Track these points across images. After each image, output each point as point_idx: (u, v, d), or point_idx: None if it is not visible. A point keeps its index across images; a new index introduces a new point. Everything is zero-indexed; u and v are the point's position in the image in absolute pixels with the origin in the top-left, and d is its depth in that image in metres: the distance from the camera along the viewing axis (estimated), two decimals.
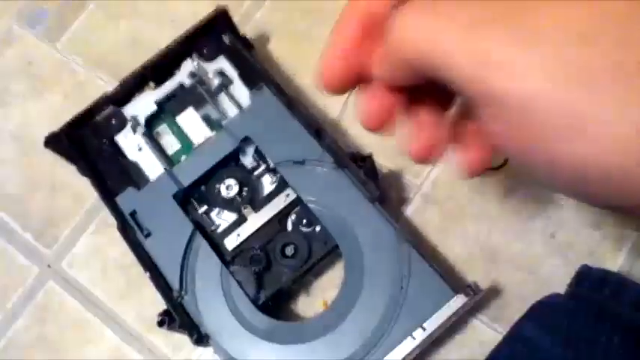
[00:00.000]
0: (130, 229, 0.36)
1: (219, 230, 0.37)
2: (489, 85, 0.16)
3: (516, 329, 0.30)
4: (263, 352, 0.33)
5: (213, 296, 0.34)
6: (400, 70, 0.19)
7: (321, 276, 0.37)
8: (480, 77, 0.16)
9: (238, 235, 0.36)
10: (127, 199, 0.37)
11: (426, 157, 0.22)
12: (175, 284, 0.34)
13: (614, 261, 0.34)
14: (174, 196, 0.36)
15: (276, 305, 0.35)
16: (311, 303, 0.36)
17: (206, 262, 0.35)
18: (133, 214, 0.36)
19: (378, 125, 0.22)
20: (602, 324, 0.27)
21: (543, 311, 0.30)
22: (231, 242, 0.36)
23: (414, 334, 0.31)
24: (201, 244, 0.35)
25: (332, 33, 0.20)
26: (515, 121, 0.17)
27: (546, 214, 0.36)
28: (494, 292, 0.35)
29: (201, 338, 0.33)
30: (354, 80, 0.21)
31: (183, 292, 0.34)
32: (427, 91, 0.22)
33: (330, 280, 0.37)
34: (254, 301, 0.34)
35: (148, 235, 0.36)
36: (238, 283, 0.34)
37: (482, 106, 0.17)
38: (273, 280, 0.35)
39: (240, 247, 0.36)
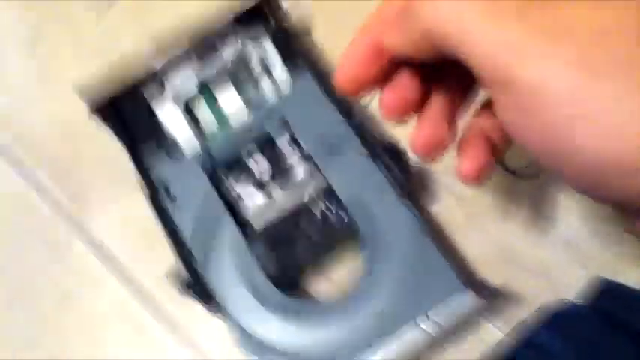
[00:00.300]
0: (158, 198, 0.37)
1: (245, 205, 0.37)
2: (503, 68, 0.17)
3: (529, 334, 0.30)
4: (274, 326, 0.33)
5: (231, 270, 0.35)
6: (416, 41, 0.20)
7: (339, 260, 0.37)
8: (495, 58, 0.17)
9: (264, 214, 0.37)
10: (159, 169, 0.37)
11: (427, 153, 0.24)
12: (197, 255, 0.35)
13: (634, 278, 0.34)
14: (206, 170, 0.37)
15: (290, 282, 0.36)
16: (324, 283, 0.37)
17: (229, 237, 0.35)
18: (163, 182, 0.37)
19: (397, 115, 0.23)
20: (621, 338, 0.27)
21: (558, 319, 0.30)
22: (256, 221, 0.37)
23: (425, 328, 0.31)
24: (229, 222, 0.36)
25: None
26: (526, 107, 0.17)
27: (570, 223, 0.36)
28: (510, 297, 0.35)
29: (215, 308, 0.34)
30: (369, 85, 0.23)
31: (202, 263, 0.35)
32: (442, 87, 0.23)
33: (341, 261, 0.37)
34: (270, 277, 0.35)
35: (175, 206, 0.36)
36: (257, 257, 0.35)
37: (495, 90, 0.18)
38: (292, 261, 0.36)
39: (263, 225, 0.36)
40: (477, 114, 0.25)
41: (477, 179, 0.23)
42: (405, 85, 0.23)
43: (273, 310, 0.34)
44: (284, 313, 0.34)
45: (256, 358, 0.33)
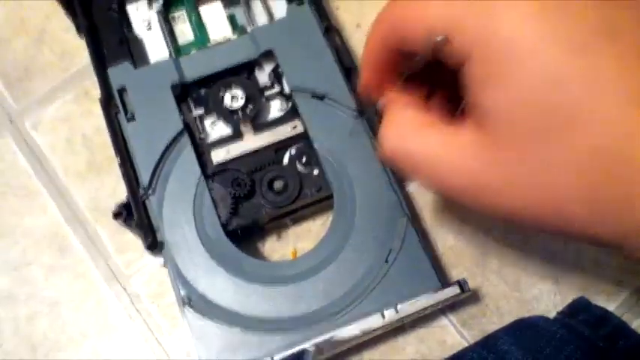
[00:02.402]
0: (113, 105, 0.32)
1: (209, 140, 0.33)
2: (482, 27, 0.18)
3: (492, 340, 0.27)
4: (216, 278, 0.29)
5: (181, 206, 0.30)
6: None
7: (300, 224, 0.34)
8: (477, 20, 0.18)
9: (228, 151, 0.32)
10: (120, 74, 0.33)
11: (366, 92, 0.25)
12: (145, 180, 0.31)
13: (607, 303, 0.32)
14: (173, 88, 0.32)
15: (244, 237, 0.32)
16: (280, 248, 0.33)
17: (185, 167, 0.31)
18: (121, 90, 0.32)
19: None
20: (581, 354, 0.25)
21: (526, 330, 0.27)
22: (218, 156, 0.32)
23: (384, 312, 0.28)
24: (186, 147, 0.31)
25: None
26: (498, 67, 0.17)
27: (551, 236, 0.33)
28: (473, 297, 0.32)
29: (155, 244, 0.30)
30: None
31: (150, 192, 0.31)
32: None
33: (307, 230, 0.34)
34: (224, 225, 0.30)
35: (131, 119, 0.32)
36: (213, 200, 0.31)
37: (471, 53, 0.18)
38: (250, 211, 0.31)
39: (226, 165, 0.32)
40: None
41: (365, 90, 0.25)
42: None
43: (216, 258, 0.30)
44: (228, 264, 0.30)
45: (190, 309, 0.29)
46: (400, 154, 0.21)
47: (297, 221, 0.33)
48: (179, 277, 0.29)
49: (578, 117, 0.16)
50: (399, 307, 0.28)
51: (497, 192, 0.18)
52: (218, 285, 0.29)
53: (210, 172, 0.32)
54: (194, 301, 0.29)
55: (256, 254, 0.33)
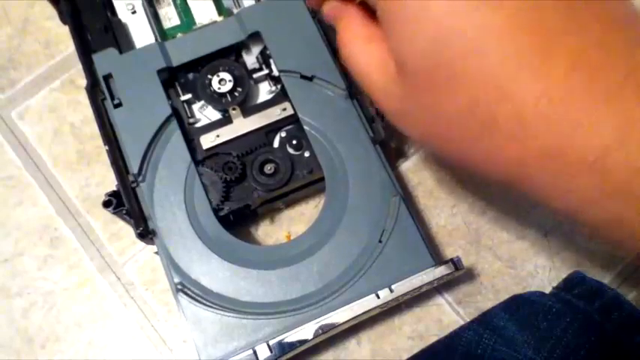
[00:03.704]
0: (99, 92, 0.32)
1: (198, 125, 0.32)
2: None
3: (488, 317, 0.27)
4: (209, 263, 0.29)
5: (172, 192, 0.30)
6: None
7: (293, 207, 0.33)
8: None
9: (218, 135, 0.32)
10: (105, 60, 0.32)
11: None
12: (134, 167, 0.30)
13: (602, 277, 0.32)
14: (159, 72, 0.32)
15: (236, 222, 0.31)
16: (273, 232, 0.33)
17: (175, 153, 0.31)
18: (107, 77, 0.32)
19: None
20: (584, 336, 0.25)
21: (521, 306, 0.27)
22: (207, 141, 0.32)
23: (379, 292, 0.28)
24: (175, 133, 0.31)
25: None
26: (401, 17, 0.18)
27: (545, 212, 0.33)
28: (468, 276, 0.32)
29: (146, 232, 0.29)
30: None
31: (140, 179, 0.30)
32: None
33: (301, 213, 0.33)
34: (215, 211, 0.30)
35: (118, 106, 0.31)
36: (204, 186, 0.30)
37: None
38: (242, 195, 0.31)
39: (216, 149, 0.32)
40: None
41: None
42: None
43: (208, 244, 0.29)
44: (220, 249, 0.29)
45: (184, 296, 0.28)
46: (351, 63, 0.23)
47: (290, 204, 0.33)
48: (172, 264, 0.29)
49: (463, 71, 0.17)
50: (393, 286, 0.28)
51: (414, 120, 0.20)
52: (211, 271, 0.29)
53: (200, 158, 0.31)
54: (188, 287, 0.29)
55: (250, 239, 0.33)
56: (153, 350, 0.32)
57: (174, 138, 0.31)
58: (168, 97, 0.32)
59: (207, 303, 0.28)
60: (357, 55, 0.22)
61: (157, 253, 0.30)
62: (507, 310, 0.27)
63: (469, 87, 0.17)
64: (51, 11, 0.35)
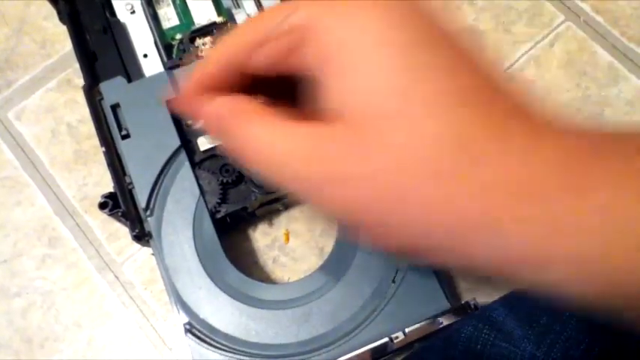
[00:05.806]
0: (97, 93, 0.32)
1: (196, 127, 0.33)
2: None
3: (487, 312, 0.28)
4: (218, 303, 0.28)
5: (180, 228, 0.29)
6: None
7: (292, 209, 0.34)
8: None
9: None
10: (112, 89, 0.31)
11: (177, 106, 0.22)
12: (142, 202, 0.30)
13: None
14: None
15: (234, 225, 0.32)
16: (271, 231, 0.33)
17: (183, 187, 0.30)
18: (115, 107, 0.31)
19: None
20: (585, 331, 0.25)
21: (521, 301, 0.27)
22: (205, 143, 0.32)
23: (393, 335, 0.27)
24: (184, 165, 0.30)
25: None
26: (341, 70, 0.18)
27: None
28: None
29: (142, 234, 0.30)
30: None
31: (148, 213, 0.30)
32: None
33: (299, 212, 0.34)
34: (212, 214, 0.30)
35: (125, 137, 0.31)
36: (200, 188, 0.30)
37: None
38: (239, 198, 0.31)
39: (213, 151, 0.32)
40: None
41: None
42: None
43: (223, 287, 0.28)
44: (235, 292, 0.28)
45: (193, 337, 0.28)
46: (261, 155, 0.19)
47: (289, 206, 0.33)
48: (179, 303, 0.28)
49: (396, 124, 0.17)
50: (407, 330, 0.27)
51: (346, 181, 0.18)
52: (220, 310, 0.28)
53: (197, 160, 0.32)
54: (196, 327, 0.28)
55: (247, 240, 0.33)
56: (152, 349, 0.32)
57: (183, 170, 0.30)
58: (178, 125, 0.31)
59: (216, 344, 0.28)
60: (270, 143, 0.19)
61: (153, 254, 0.30)
62: (506, 305, 0.27)
63: (399, 136, 0.17)
64: (47, 11, 0.35)
